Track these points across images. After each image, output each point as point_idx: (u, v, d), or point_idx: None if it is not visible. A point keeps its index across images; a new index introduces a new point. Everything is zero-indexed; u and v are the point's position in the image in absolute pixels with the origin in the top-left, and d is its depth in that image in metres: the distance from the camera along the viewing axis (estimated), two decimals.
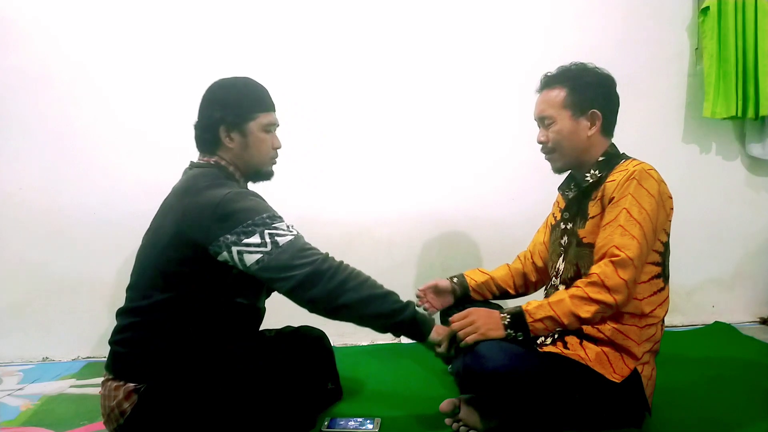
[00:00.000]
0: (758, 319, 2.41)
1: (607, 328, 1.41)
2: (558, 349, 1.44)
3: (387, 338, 2.14)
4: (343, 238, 2.28)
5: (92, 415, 1.64)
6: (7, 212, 2.22)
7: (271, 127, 1.53)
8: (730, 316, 2.37)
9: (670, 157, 2.32)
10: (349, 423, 1.54)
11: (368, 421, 1.54)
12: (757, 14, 2.14)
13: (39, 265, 2.24)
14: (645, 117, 2.31)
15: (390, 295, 1.39)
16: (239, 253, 1.31)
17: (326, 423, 1.54)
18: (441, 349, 1.42)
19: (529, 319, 1.36)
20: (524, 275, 1.77)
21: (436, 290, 1.77)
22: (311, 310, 1.36)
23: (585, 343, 1.42)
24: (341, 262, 1.37)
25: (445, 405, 1.55)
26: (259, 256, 1.31)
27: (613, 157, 1.50)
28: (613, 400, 1.40)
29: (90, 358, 2.25)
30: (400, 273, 2.31)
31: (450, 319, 1.46)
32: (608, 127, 1.51)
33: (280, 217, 1.39)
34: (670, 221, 1.44)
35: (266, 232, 1.32)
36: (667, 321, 2.38)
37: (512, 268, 1.79)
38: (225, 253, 1.32)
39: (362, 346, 2.24)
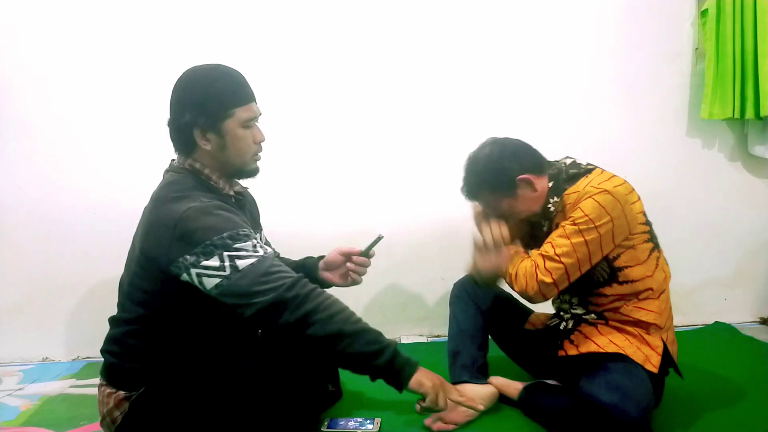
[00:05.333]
0: (758, 319, 2.41)
1: (629, 311, 1.47)
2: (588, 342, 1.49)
3: None
4: (343, 239, 2.27)
5: (92, 415, 1.63)
6: (7, 212, 2.21)
7: (250, 122, 1.37)
8: (730, 316, 2.36)
9: (670, 157, 2.33)
10: (349, 423, 1.54)
11: (368, 421, 1.55)
12: (756, 15, 2.13)
13: (39, 265, 2.24)
14: (645, 117, 2.31)
15: (364, 334, 1.23)
16: (198, 275, 1.22)
17: (326, 423, 1.55)
18: (425, 404, 1.25)
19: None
20: None
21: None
22: (282, 337, 1.28)
23: (607, 333, 1.49)
24: (313, 289, 1.23)
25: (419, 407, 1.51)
26: (217, 280, 1.20)
27: (556, 183, 1.51)
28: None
29: (90, 358, 2.25)
30: (399, 273, 2.30)
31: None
32: (536, 169, 1.50)
33: (245, 236, 1.25)
34: (640, 213, 1.46)
35: (225, 254, 1.20)
36: None
37: None
38: (185, 275, 1.23)
39: None
